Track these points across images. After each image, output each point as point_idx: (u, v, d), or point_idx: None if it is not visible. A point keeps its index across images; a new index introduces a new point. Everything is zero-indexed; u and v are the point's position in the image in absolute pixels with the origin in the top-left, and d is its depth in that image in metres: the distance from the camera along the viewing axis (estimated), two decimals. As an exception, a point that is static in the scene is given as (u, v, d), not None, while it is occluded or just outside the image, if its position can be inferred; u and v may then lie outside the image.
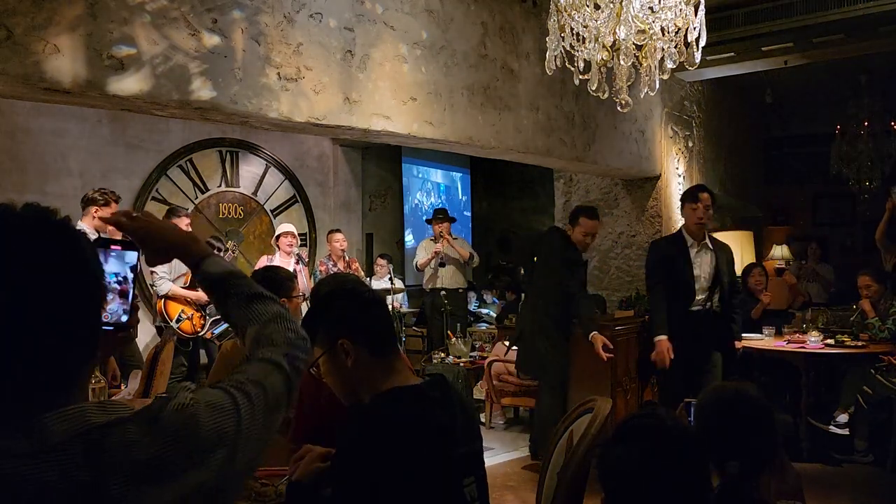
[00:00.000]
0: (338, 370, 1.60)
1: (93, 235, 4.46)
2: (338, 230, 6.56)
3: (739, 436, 1.65)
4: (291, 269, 5.61)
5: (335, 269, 6.15)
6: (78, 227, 0.94)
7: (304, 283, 5.80)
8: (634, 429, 1.39)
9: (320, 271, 6.23)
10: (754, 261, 6.71)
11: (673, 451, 1.32)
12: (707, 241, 4.40)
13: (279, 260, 5.67)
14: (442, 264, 6.80)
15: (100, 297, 0.93)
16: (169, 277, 5.04)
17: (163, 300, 5.06)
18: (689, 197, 4.43)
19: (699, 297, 4.29)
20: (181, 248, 1.26)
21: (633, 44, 2.50)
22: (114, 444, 0.83)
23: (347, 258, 6.42)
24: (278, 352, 1.08)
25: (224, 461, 0.91)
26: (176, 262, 4.62)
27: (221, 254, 5.76)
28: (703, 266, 4.33)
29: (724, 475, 1.60)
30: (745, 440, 1.64)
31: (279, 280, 2.86)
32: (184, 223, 5.30)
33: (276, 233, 5.98)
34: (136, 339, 5.48)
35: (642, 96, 2.91)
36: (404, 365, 1.65)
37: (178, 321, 5.04)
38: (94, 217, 4.47)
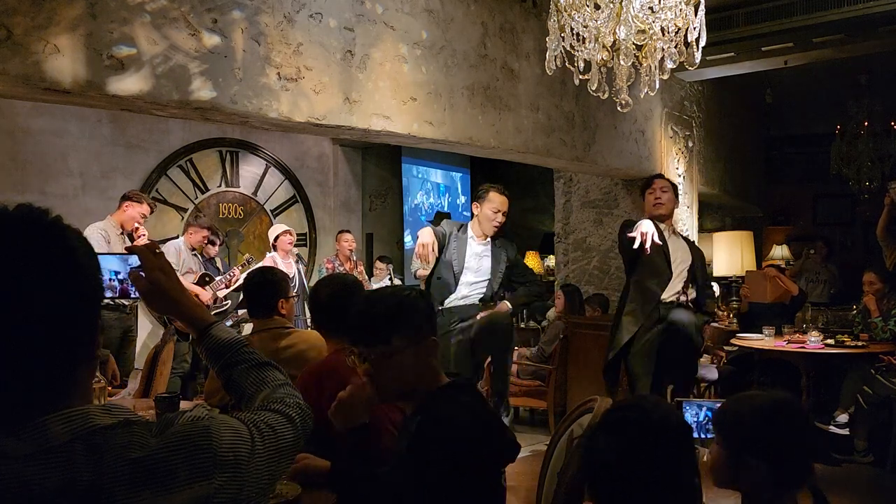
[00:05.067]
0: (401, 368, 1.59)
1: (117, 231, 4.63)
2: (347, 231, 6.56)
3: (790, 449, 1.51)
4: (293, 269, 5.62)
5: (341, 269, 6.13)
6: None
7: (305, 282, 5.79)
8: (618, 420, 1.40)
9: (326, 269, 6.21)
10: (755, 261, 6.71)
11: (655, 443, 1.33)
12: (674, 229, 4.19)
13: (278, 260, 5.65)
14: None
15: (95, 297, 0.93)
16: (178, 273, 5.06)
17: None
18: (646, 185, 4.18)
19: (672, 284, 3.98)
20: (190, 309, 1.29)
21: (633, 44, 2.49)
22: (117, 446, 0.83)
23: (355, 259, 6.41)
24: (290, 410, 1.12)
25: (228, 484, 0.90)
26: (183, 257, 4.62)
27: (217, 245, 5.79)
28: (676, 250, 4.04)
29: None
30: (797, 455, 1.52)
31: (276, 281, 2.88)
32: (200, 235, 5.43)
33: (274, 233, 5.88)
34: (136, 339, 5.49)
35: (642, 96, 2.91)
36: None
37: None
38: (124, 211, 4.68)
